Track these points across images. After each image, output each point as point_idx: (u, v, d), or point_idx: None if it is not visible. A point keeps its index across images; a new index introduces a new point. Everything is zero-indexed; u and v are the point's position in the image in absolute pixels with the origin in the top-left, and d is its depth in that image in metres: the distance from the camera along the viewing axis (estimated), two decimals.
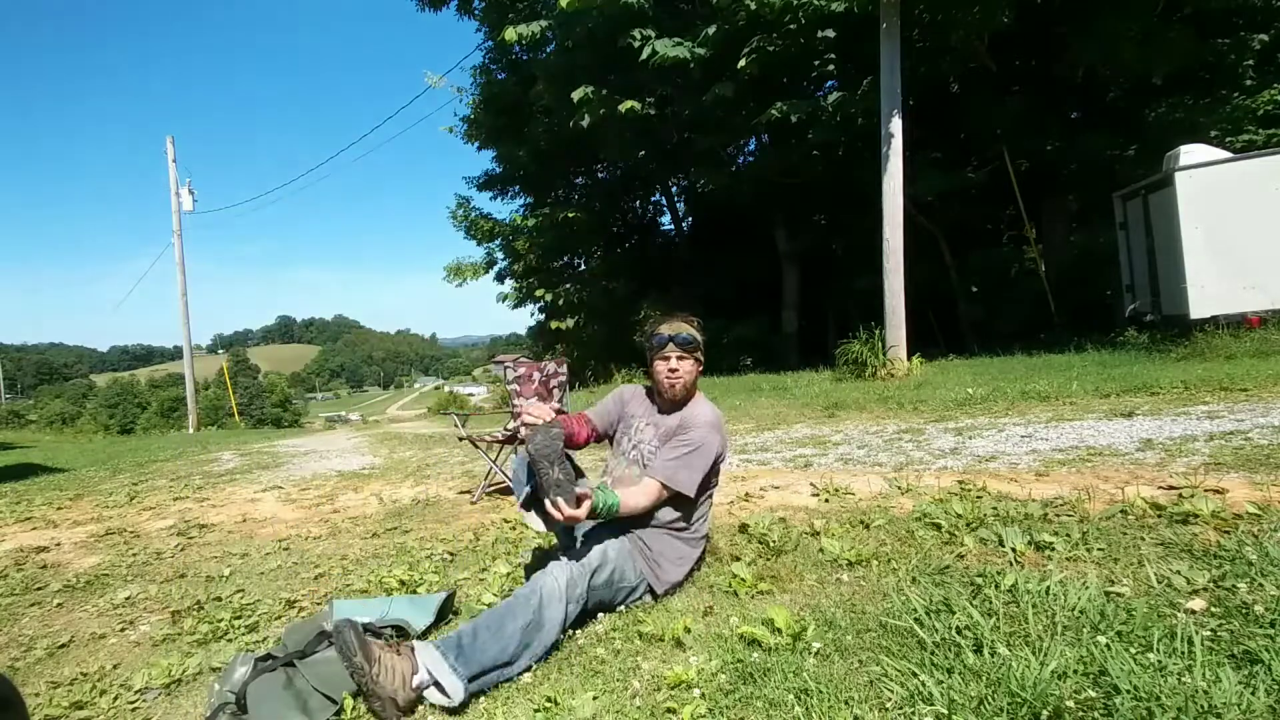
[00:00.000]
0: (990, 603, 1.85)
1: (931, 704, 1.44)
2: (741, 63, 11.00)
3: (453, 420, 5.28)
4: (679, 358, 2.32)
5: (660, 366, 2.34)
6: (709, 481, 2.31)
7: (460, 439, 4.75)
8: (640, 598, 2.19)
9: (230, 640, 2.32)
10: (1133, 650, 1.52)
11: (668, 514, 2.25)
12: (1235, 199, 7.43)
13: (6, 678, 1.35)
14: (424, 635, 2.11)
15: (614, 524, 2.18)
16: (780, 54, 11.04)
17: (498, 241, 18.41)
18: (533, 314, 19.62)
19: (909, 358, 8.70)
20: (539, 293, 17.48)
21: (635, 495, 2.13)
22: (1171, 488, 2.76)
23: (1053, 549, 2.23)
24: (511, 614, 1.84)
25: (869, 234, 9.70)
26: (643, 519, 2.22)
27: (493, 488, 4.46)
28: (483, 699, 1.74)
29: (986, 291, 13.34)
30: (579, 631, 2.02)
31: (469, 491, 4.50)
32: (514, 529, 3.38)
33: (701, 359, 2.38)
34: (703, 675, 1.69)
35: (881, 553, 2.43)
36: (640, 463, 2.30)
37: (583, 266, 19.08)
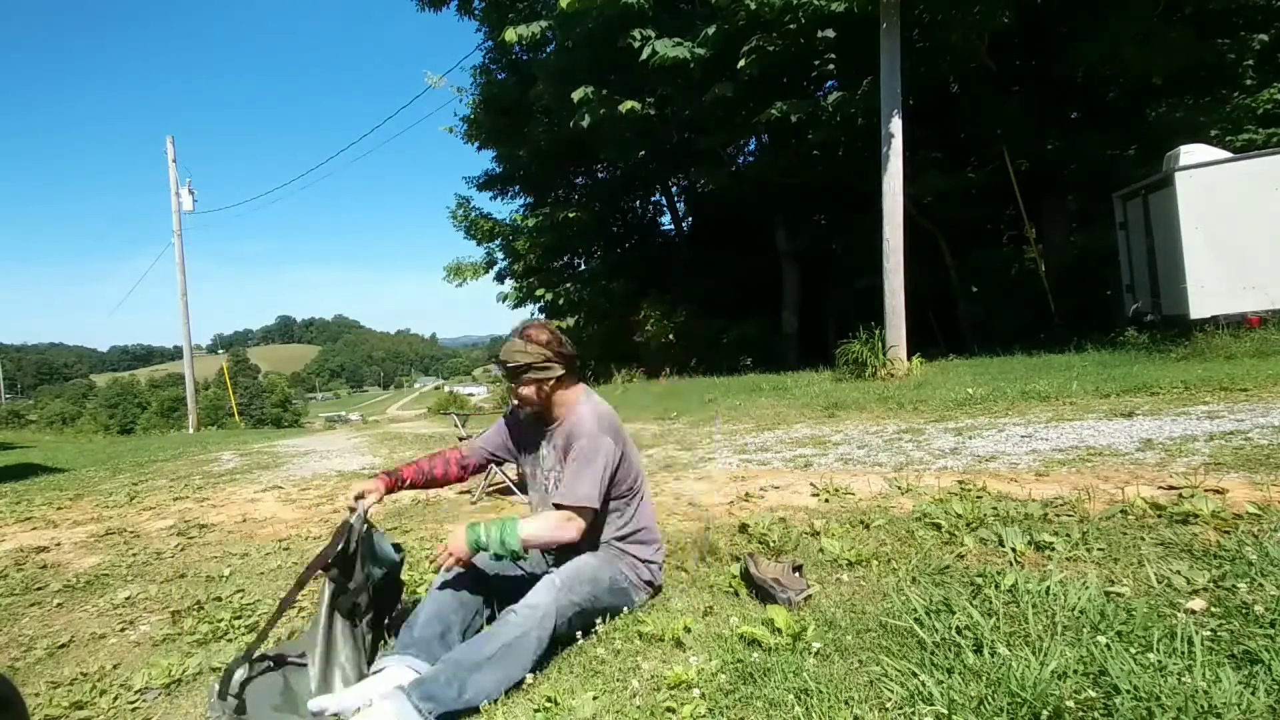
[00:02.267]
0: (990, 603, 1.85)
1: (931, 704, 1.44)
2: (741, 63, 11.00)
3: (453, 420, 5.27)
4: (512, 387, 2.19)
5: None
6: (620, 483, 2.16)
7: (460, 439, 4.74)
8: (640, 595, 2.17)
9: (230, 640, 2.32)
10: (1133, 650, 1.52)
11: (609, 530, 2.18)
12: (1235, 199, 7.42)
13: (6, 678, 1.35)
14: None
15: (587, 543, 2.14)
16: (780, 54, 11.04)
17: (498, 241, 18.42)
18: (533, 314, 19.62)
19: (909, 358, 8.70)
20: (539, 293, 17.49)
21: (537, 523, 2.02)
22: (1171, 488, 2.76)
23: (1053, 549, 2.23)
24: (491, 663, 1.75)
25: (869, 234, 9.69)
26: (608, 539, 2.17)
27: (493, 488, 4.46)
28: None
29: (986, 291, 13.34)
30: (579, 632, 2.01)
31: (469, 491, 4.50)
32: None
33: (542, 376, 2.13)
34: (703, 675, 1.69)
35: (881, 553, 2.43)
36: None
37: (583, 266, 19.09)
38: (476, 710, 1.70)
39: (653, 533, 2.29)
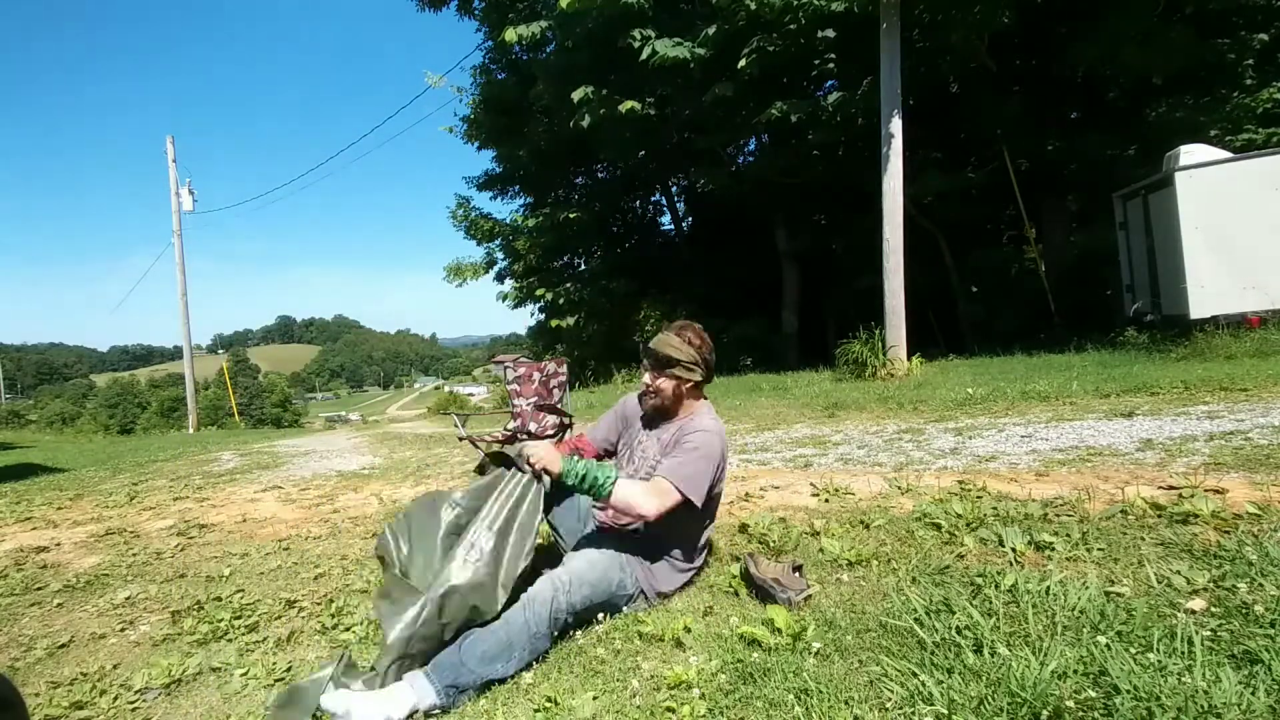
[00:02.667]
0: (990, 603, 1.85)
1: (931, 704, 1.44)
2: (741, 63, 11.00)
3: (453, 420, 5.27)
4: (652, 375, 2.22)
5: (644, 377, 2.28)
6: (712, 497, 2.19)
7: (460, 439, 4.74)
8: (637, 604, 2.17)
9: (230, 640, 2.32)
10: (1133, 650, 1.52)
11: (669, 545, 2.20)
12: (1235, 199, 7.42)
13: (6, 678, 1.35)
14: None
15: (618, 539, 2.18)
16: (780, 54, 11.04)
17: (498, 241, 18.41)
18: (533, 314, 19.62)
19: (909, 358, 8.69)
20: (539, 292, 17.49)
21: (633, 486, 2.02)
22: (1171, 488, 2.76)
23: (1053, 549, 2.23)
24: (497, 648, 1.81)
25: (869, 234, 9.69)
26: (645, 544, 2.17)
27: None
28: (483, 700, 1.74)
29: (986, 291, 13.34)
30: (579, 632, 2.02)
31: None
32: None
33: (685, 375, 2.19)
34: (703, 675, 1.69)
35: (881, 553, 2.43)
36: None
37: (583, 266, 19.08)
38: (481, 690, 1.77)
39: (696, 561, 2.31)
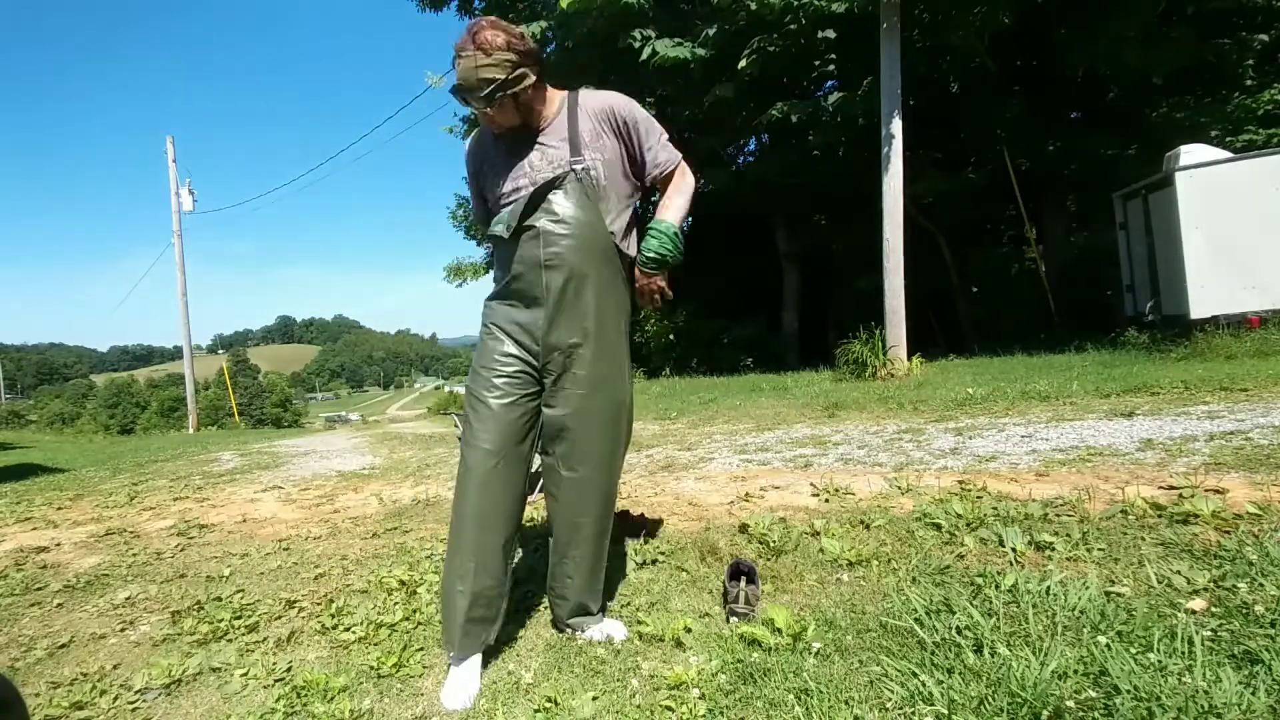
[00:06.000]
0: (990, 603, 1.85)
1: (932, 704, 1.44)
2: (742, 63, 11.01)
3: (453, 420, 5.26)
4: (488, 114, 1.74)
5: (484, 118, 1.79)
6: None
7: (460, 439, 4.74)
8: None
9: (230, 640, 2.32)
10: (1133, 650, 1.52)
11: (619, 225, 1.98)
12: (1235, 199, 7.43)
13: (6, 678, 1.35)
14: None
15: None
16: (780, 54, 11.06)
17: None
18: None
19: (909, 358, 8.70)
20: None
21: (678, 200, 1.90)
22: (1172, 488, 2.76)
23: (1053, 549, 2.23)
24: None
25: (869, 234, 9.71)
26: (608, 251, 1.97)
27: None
28: (483, 700, 1.74)
29: (986, 291, 13.38)
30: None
31: None
32: None
33: (517, 89, 1.68)
34: (702, 675, 1.69)
35: (881, 553, 2.43)
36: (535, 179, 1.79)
37: None
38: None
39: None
